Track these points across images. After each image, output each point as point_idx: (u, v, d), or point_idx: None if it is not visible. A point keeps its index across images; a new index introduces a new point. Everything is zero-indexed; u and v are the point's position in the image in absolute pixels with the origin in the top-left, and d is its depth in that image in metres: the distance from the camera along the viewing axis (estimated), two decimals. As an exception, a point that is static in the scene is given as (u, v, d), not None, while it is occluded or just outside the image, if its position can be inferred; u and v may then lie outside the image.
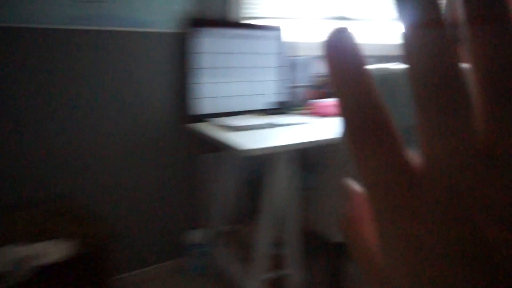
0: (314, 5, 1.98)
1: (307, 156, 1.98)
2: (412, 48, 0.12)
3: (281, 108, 1.87)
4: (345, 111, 0.13)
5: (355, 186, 0.18)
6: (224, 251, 1.64)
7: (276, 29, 1.81)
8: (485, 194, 0.12)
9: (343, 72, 0.13)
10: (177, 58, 1.63)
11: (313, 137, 1.31)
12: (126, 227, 1.65)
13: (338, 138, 1.24)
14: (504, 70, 0.12)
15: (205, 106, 1.67)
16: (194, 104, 1.64)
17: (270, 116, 1.71)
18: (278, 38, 1.81)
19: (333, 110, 1.81)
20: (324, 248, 1.99)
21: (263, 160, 1.93)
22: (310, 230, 2.03)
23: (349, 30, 0.14)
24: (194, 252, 1.72)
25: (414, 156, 0.13)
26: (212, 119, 1.60)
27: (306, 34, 2.05)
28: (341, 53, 0.13)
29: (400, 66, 1.17)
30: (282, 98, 1.88)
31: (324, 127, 1.51)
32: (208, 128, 1.49)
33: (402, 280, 0.13)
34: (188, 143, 1.73)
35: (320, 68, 2.04)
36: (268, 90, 1.84)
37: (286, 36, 1.86)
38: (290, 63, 1.94)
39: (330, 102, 1.80)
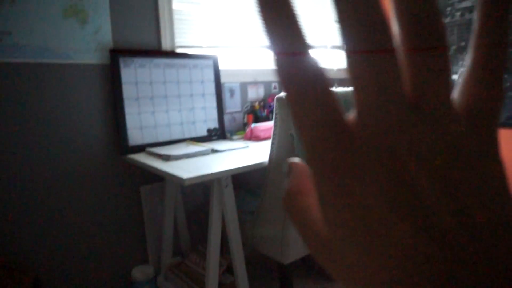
0: (248, 34, 2.07)
1: (249, 180, 2.01)
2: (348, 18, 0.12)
3: (220, 134, 1.90)
4: (282, 70, 0.13)
5: (297, 160, 0.18)
6: (173, 284, 1.57)
7: (212, 57, 1.85)
8: (416, 144, 0.12)
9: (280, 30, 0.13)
10: (109, 89, 1.59)
11: (253, 161, 1.34)
12: (68, 268, 1.51)
13: (279, 160, 1.29)
14: (422, 24, 0.13)
15: (143, 136, 1.63)
16: (132, 135, 1.59)
17: (209, 142, 1.73)
18: (214, 66, 1.86)
19: (269, 133, 1.88)
20: (275, 270, 2.01)
21: (206, 188, 1.92)
22: (259, 254, 2.04)
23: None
24: (141, 289, 1.63)
25: (351, 116, 0.14)
26: (151, 149, 1.56)
27: (241, 61, 2.13)
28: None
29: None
30: (220, 125, 1.91)
31: (262, 150, 1.56)
32: (146, 159, 1.45)
33: (348, 250, 0.13)
34: (128, 175, 1.67)
35: (255, 93, 2.12)
36: (206, 117, 1.86)
37: (222, 63, 1.91)
38: (226, 89, 1.99)
39: (266, 126, 1.87)
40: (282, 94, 1.21)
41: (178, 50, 1.81)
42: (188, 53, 1.78)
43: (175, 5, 1.78)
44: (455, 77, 2.38)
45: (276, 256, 1.38)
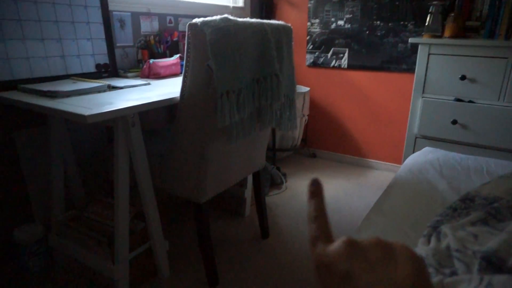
0: (133, -46, 1.77)
1: (150, 121, 1.86)
2: None
3: (111, 71, 1.66)
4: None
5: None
6: (72, 240, 1.39)
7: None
8: None
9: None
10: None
11: (159, 97, 1.21)
12: None
13: (193, 95, 1.20)
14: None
15: (11, 69, 1.30)
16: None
17: (100, 80, 1.49)
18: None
19: (170, 70, 1.73)
20: (188, 210, 1.96)
21: (99, 131, 1.69)
22: (170, 195, 1.95)
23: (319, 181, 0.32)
24: (32, 250, 1.39)
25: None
26: (25, 85, 1.27)
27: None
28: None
29: (241, 19, 1.19)
30: (111, 60, 1.66)
31: (165, 87, 1.42)
32: (22, 97, 1.17)
33: None
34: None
35: (149, 26, 1.90)
36: (93, 51, 1.58)
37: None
38: (116, 19, 1.71)
39: (166, 62, 1.71)
40: (196, 20, 1.09)
41: (51, -38, 1.45)
42: (65, -34, 1.44)
43: None
44: (341, 22, 2.55)
45: (191, 196, 1.33)
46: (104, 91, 1.31)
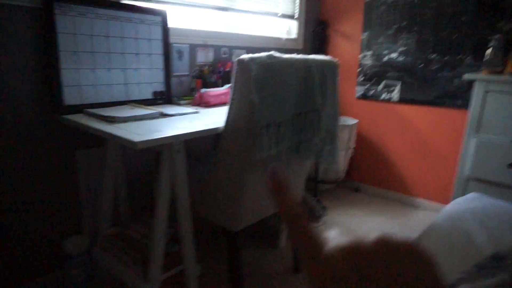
0: (195, -7, 1.93)
1: (195, 148, 1.95)
2: None
3: (166, 99, 1.79)
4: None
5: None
6: (112, 255, 1.49)
7: (161, 13, 1.70)
8: None
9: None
10: (42, 38, 1.38)
11: (205, 126, 1.29)
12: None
13: (236, 126, 1.26)
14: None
15: (82, 95, 1.47)
16: (68, 93, 1.42)
17: (155, 106, 1.62)
18: (163, 23, 1.71)
19: (220, 99, 1.83)
20: (222, 237, 2.01)
21: (149, 154, 1.82)
22: (205, 221, 2.02)
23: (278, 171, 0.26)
24: (77, 261, 1.51)
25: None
26: (90, 110, 1.42)
27: (191, 21, 2.00)
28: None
29: (286, 55, 1.25)
30: (167, 88, 1.79)
31: (213, 116, 1.50)
32: (86, 120, 1.32)
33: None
34: (62, 138, 1.50)
35: (205, 57, 2.03)
36: (152, 79, 1.73)
37: (171, 22, 1.77)
38: (175, 50, 1.86)
39: (217, 91, 1.81)
40: (243, 56, 1.16)
41: (123, 1, 1.63)
42: (135, 5, 1.61)
43: (119, -51, 1.58)
44: (394, 55, 2.52)
45: (226, 224, 1.37)
46: (157, 117, 1.42)
